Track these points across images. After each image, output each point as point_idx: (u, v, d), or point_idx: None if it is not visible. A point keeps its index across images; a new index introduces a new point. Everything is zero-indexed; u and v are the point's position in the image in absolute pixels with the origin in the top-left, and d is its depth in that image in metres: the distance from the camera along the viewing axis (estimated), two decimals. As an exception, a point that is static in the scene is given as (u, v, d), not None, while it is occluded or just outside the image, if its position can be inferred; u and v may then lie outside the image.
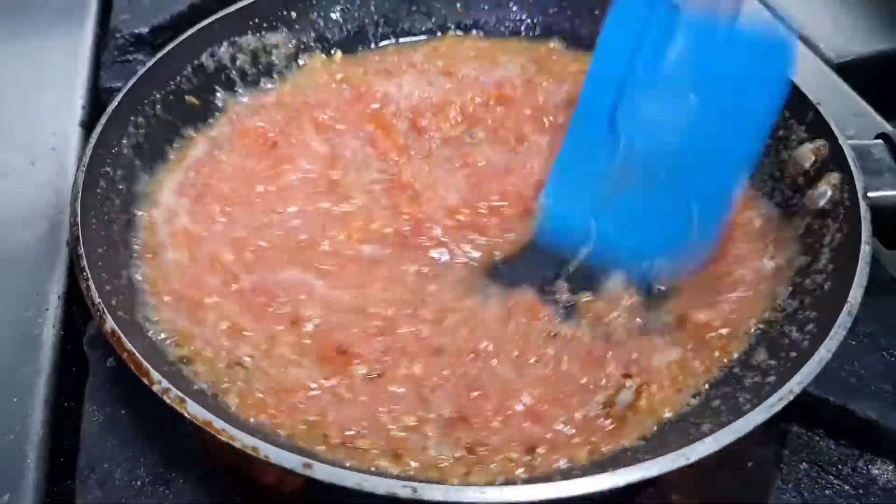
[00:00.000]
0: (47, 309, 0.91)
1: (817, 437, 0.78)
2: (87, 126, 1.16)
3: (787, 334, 0.74)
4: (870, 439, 0.76)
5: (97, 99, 1.19)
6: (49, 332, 0.89)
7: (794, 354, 0.69)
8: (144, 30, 1.20)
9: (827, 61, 1.24)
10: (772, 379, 0.67)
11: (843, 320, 0.66)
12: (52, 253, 0.97)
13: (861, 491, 0.74)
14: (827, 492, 0.74)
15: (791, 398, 0.61)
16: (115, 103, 0.90)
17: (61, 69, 1.22)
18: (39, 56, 1.24)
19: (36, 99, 1.18)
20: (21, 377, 0.84)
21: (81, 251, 0.75)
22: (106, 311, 0.69)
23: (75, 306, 0.93)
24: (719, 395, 0.73)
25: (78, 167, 0.82)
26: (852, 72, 1.23)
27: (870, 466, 0.76)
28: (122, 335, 0.66)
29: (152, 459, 0.76)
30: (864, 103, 1.16)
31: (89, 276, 0.72)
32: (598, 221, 0.82)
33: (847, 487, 0.75)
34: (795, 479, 0.75)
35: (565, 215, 0.84)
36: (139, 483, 0.74)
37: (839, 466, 0.76)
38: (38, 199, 1.04)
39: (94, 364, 0.84)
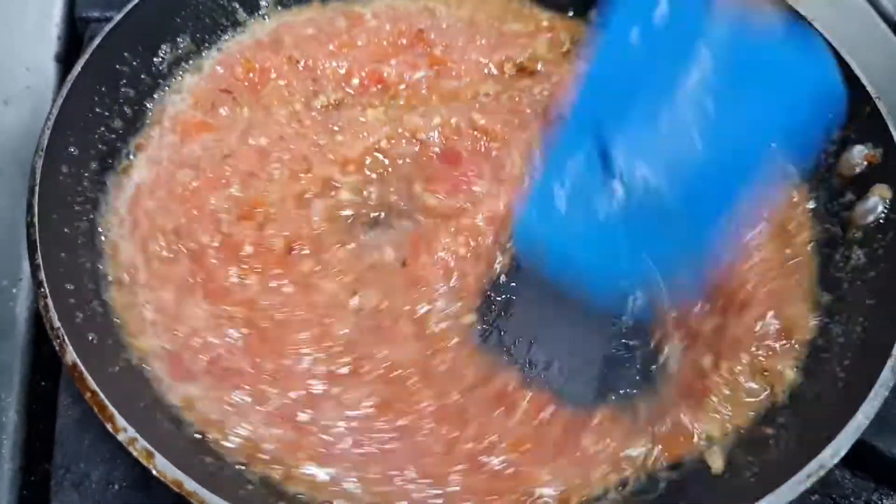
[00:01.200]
0: (21, 279, 0.85)
1: (834, 467, 0.74)
2: (63, 60, 1.06)
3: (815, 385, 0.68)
4: (889, 475, 0.72)
5: (73, 30, 1.09)
6: (23, 306, 0.84)
7: (822, 416, 0.62)
8: (123, -49, 1.07)
9: (886, 18, 1.11)
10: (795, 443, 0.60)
11: (886, 378, 0.59)
12: (25, 211, 0.90)
13: (872, 525, 0.71)
14: (837, 524, 0.71)
15: (822, 473, 0.55)
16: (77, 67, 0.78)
17: (35, -1, 1.10)
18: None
19: (8, 31, 1.07)
20: (-6, 358, 0.79)
21: (39, 260, 0.65)
22: (67, 339, 0.61)
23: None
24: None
25: (36, 151, 0.72)
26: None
27: (885, 500, 0.73)
28: (84, 371, 0.59)
29: (129, 461, 0.71)
30: (922, 71, 1.05)
31: (48, 292, 0.63)
32: (583, 247, 0.72)
33: (859, 521, 0.71)
34: (806, 509, 0.72)
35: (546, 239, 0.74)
36: (116, 487, 0.71)
37: (853, 500, 0.73)
38: (12, 144, 0.96)
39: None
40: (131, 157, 0.85)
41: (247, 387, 0.70)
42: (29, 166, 0.91)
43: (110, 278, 0.76)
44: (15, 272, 0.86)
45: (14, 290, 0.85)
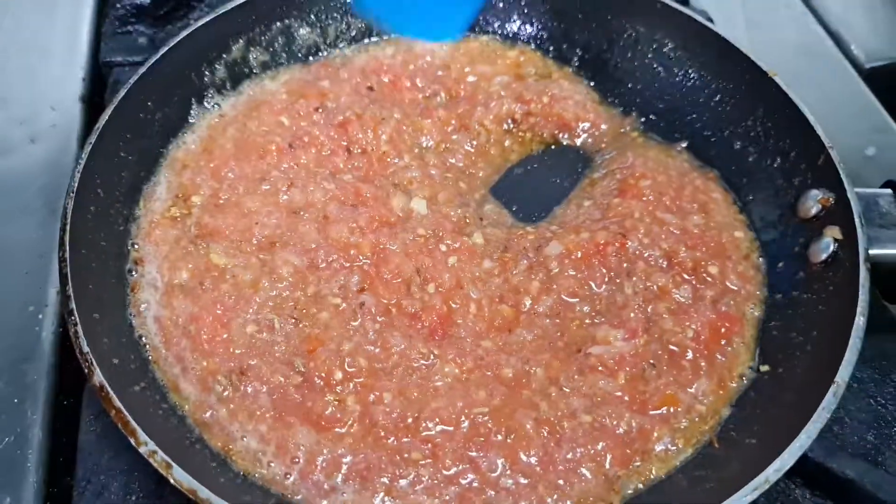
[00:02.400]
0: (47, 305, 0.92)
1: (793, 486, 0.80)
2: (88, 101, 1.14)
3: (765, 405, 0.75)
4: (845, 495, 0.77)
5: (97, 72, 1.17)
6: (49, 331, 0.90)
7: (771, 431, 0.69)
8: (146, 0, 1.16)
9: (856, 64, 1.19)
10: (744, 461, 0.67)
11: (829, 402, 0.65)
12: (51, 242, 0.97)
13: (828, 543, 0.77)
14: (796, 541, 0.77)
15: (767, 487, 0.62)
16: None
17: (62, 41, 1.18)
18: (40, 27, 1.20)
19: (35, 72, 1.15)
20: (22, 376, 0.86)
21: (70, 292, 0.72)
22: (94, 363, 0.68)
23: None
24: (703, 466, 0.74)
25: (67, 192, 0.79)
26: (881, 77, 1.18)
27: (840, 518, 0.78)
28: (110, 391, 0.66)
29: (146, 472, 0.78)
30: (887, 117, 1.12)
31: (77, 321, 0.70)
32: None
33: (815, 538, 0.77)
34: (767, 526, 0.78)
35: None
36: (133, 497, 0.77)
37: (811, 517, 0.78)
38: (39, 180, 1.04)
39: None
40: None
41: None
42: (54, 201, 1.01)
43: (131, 309, 0.83)
44: (41, 299, 0.92)
45: (40, 316, 0.91)
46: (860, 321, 0.70)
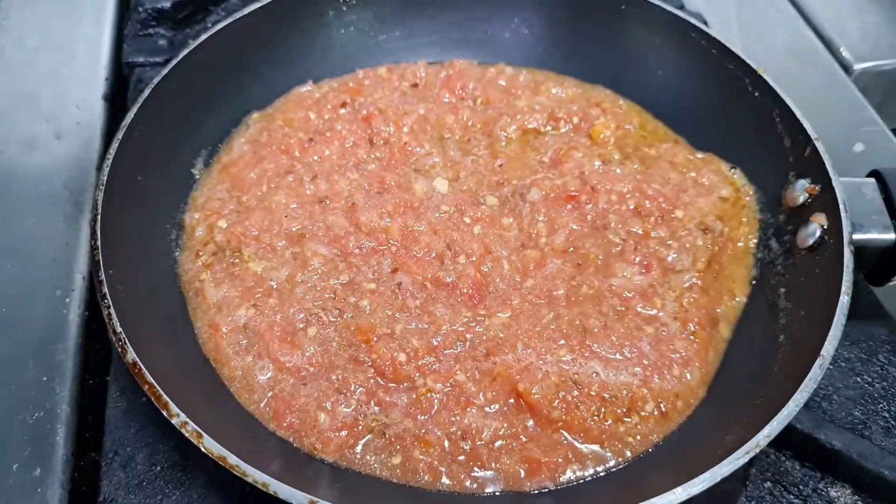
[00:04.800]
0: (73, 290, 0.97)
1: (783, 458, 0.84)
2: (110, 100, 1.19)
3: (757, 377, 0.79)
4: (832, 465, 0.82)
5: (119, 72, 1.22)
6: (76, 314, 0.95)
7: (761, 401, 0.73)
8: (166, 4, 1.21)
9: (845, 67, 1.24)
10: (737, 429, 0.71)
11: (815, 374, 0.70)
12: (75, 232, 1.02)
13: (818, 511, 0.81)
14: (786, 510, 0.81)
15: (757, 451, 0.66)
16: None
17: (86, 43, 1.24)
18: (65, 31, 1.26)
19: (60, 72, 1.20)
20: (51, 356, 0.90)
21: (103, 277, 0.76)
22: (127, 342, 0.72)
23: (99, 285, 0.99)
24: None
25: (97, 186, 0.84)
26: (869, 80, 1.23)
27: (829, 489, 0.82)
28: (142, 367, 0.70)
29: (170, 445, 0.83)
30: (875, 115, 1.17)
31: (110, 304, 0.74)
32: None
33: (805, 507, 0.81)
34: (758, 496, 0.82)
35: None
36: (158, 468, 0.82)
37: (801, 487, 0.82)
38: (64, 174, 1.08)
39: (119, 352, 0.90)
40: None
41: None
42: (79, 193, 1.06)
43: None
44: (68, 284, 0.97)
45: (67, 300, 0.96)
46: (844, 300, 0.74)
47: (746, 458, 0.66)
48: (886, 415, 0.87)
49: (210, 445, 0.66)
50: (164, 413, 0.69)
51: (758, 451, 0.67)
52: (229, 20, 1.01)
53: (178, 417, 0.68)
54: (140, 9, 1.21)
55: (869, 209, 0.84)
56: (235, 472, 0.65)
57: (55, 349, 0.91)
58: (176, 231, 0.95)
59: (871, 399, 0.88)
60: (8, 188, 1.06)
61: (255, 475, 0.64)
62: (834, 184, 0.83)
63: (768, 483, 0.83)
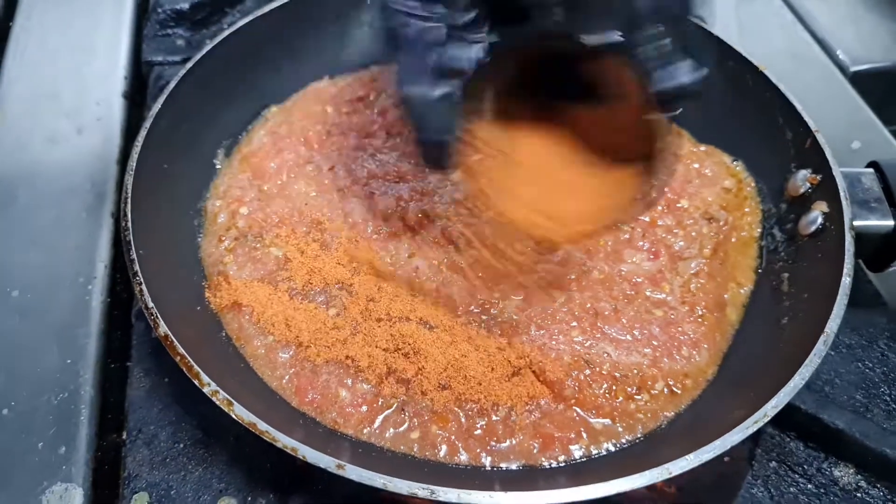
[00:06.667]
0: (95, 277, 0.99)
1: (788, 439, 0.87)
2: (129, 97, 1.22)
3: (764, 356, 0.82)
4: (836, 445, 0.84)
5: (138, 70, 1.25)
6: (98, 300, 0.97)
7: (768, 379, 0.76)
8: (185, 6, 1.25)
9: (842, 68, 1.28)
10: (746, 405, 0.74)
11: (819, 350, 0.73)
12: (97, 222, 1.05)
13: (823, 490, 0.83)
14: (791, 489, 0.83)
15: (766, 420, 0.69)
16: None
17: (105, 42, 1.27)
18: (86, 30, 1.30)
19: (81, 70, 1.24)
20: (74, 340, 0.93)
21: (134, 256, 0.79)
22: (158, 316, 0.75)
23: (119, 273, 1.02)
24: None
25: (126, 170, 0.87)
26: (865, 81, 1.27)
27: (833, 469, 0.85)
28: (174, 340, 0.73)
29: (192, 424, 0.85)
30: (872, 115, 1.21)
31: (142, 280, 0.77)
32: None
33: (810, 486, 0.83)
34: (764, 475, 0.84)
35: None
36: (181, 445, 0.84)
37: (805, 467, 0.85)
38: (85, 168, 1.12)
39: (140, 334, 0.92)
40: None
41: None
42: (100, 184, 1.09)
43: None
44: (90, 271, 1.00)
45: (89, 287, 0.99)
46: (846, 280, 0.77)
47: (755, 428, 0.69)
48: (887, 398, 0.89)
49: (240, 412, 0.68)
50: (196, 382, 0.71)
51: (766, 420, 0.69)
52: (250, 17, 1.04)
53: (210, 386, 0.70)
54: (159, 10, 1.25)
55: (868, 197, 0.87)
56: (265, 438, 0.67)
57: (78, 333, 0.94)
58: (198, 218, 0.98)
59: (873, 383, 0.91)
60: (32, 182, 1.09)
61: (284, 440, 0.66)
62: (834, 173, 0.86)
63: (773, 463, 0.85)
